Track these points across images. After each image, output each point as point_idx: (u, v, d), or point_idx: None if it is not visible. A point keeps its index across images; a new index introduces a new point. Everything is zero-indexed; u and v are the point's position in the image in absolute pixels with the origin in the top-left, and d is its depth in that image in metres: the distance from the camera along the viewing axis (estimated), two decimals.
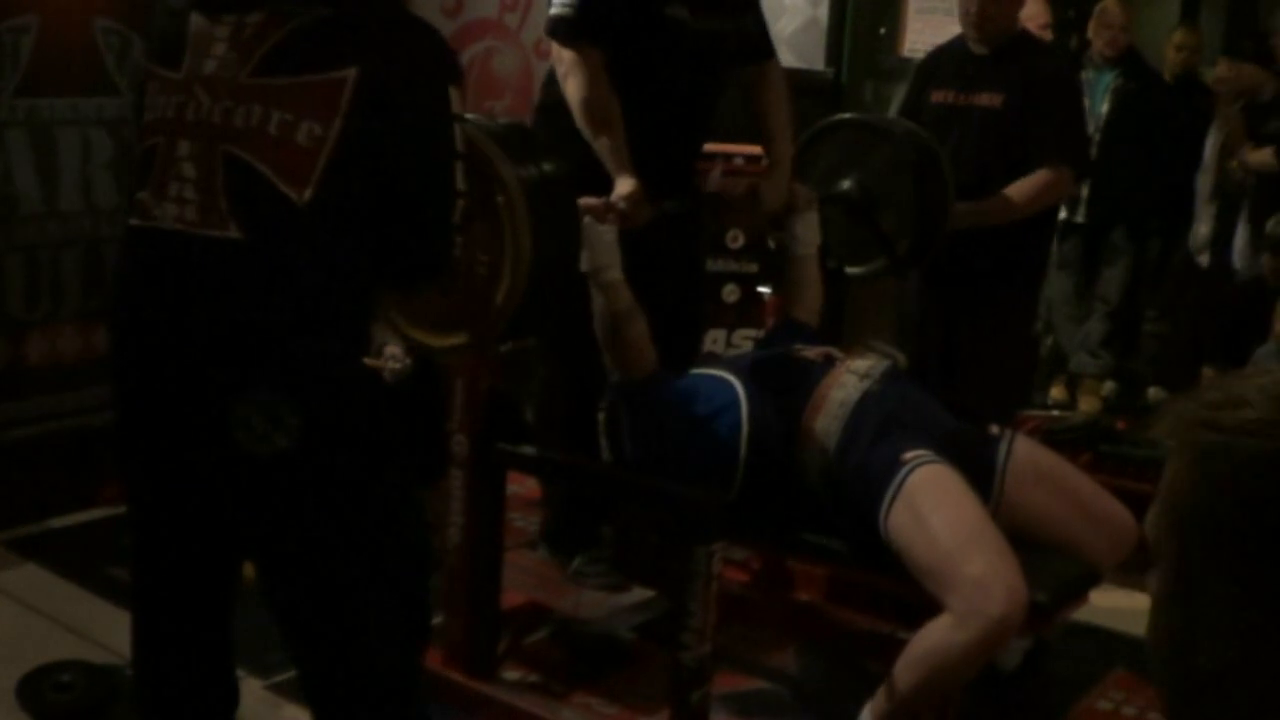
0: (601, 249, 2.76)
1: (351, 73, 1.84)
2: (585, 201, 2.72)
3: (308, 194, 1.82)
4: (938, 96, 3.77)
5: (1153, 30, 5.79)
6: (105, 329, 3.88)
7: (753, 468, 2.70)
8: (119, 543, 3.45)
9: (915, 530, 2.44)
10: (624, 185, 2.93)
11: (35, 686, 2.86)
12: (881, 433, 2.59)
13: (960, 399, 3.02)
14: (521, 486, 3.72)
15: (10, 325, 3.79)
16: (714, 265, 4.54)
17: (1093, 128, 4.92)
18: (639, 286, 2.85)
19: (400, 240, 1.96)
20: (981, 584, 2.33)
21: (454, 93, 1.96)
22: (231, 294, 1.83)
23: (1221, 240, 5.15)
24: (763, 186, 3.20)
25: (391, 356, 2.01)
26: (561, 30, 3.09)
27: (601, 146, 3.01)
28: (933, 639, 2.38)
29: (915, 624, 2.46)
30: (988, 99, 3.66)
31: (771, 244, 4.48)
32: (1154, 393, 5.50)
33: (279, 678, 2.91)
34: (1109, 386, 5.48)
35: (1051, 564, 2.62)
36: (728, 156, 4.38)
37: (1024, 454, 2.75)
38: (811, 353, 2.86)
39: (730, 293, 4.67)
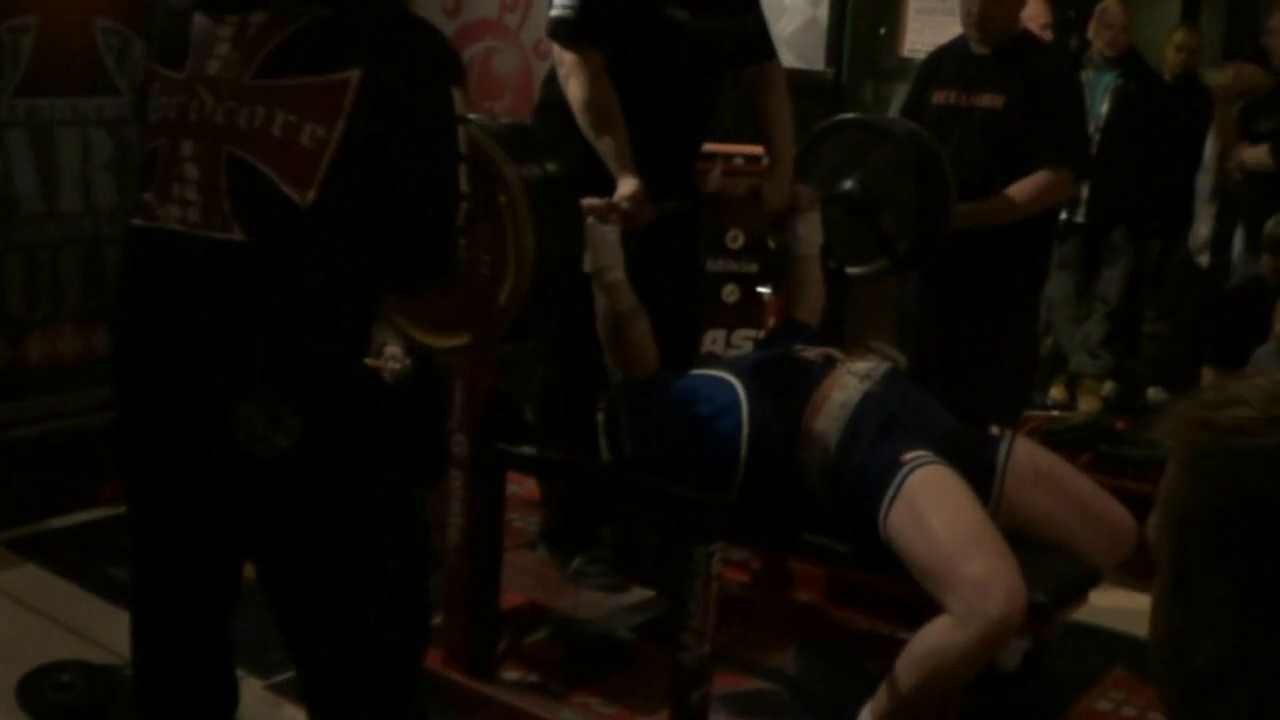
0: (604, 249, 2.76)
1: (354, 74, 1.83)
2: (588, 202, 2.72)
3: (311, 196, 1.82)
4: (939, 97, 3.77)
5: (1153, 30, 5.79)
6: (106, 329, 3.91)
7: (753, 468, 2.70)
8: (119, 543, 3.45)
9: (915, 531, 2.44)
10: (627, 186, 2.93)
11: (35, 686, 2.86)
12: (881, 433, 2.59)
13: (961, 399, 3.02)
14: (521, 487, 3.72)
15: (10, 325, 3.79)
16: (714, 265, 4.54)
17: (1093, 128, 4.93)
18: (638, 286, 2.85)
19: (403, 242, 1.95)
20: (981, 584, 2.33)
21: (457, 94, 1.96)
22: (233, 296, 1.83)
23: (1221, 240, 5.15)
24: (765, 187, 3.20)
25: (391, 357, 2.01)
26: (562, 32, 3.09)
27: (604, 147, 3.01)
28: (932, 639, 2.38)
29: (915, 624, 2.46)
30: (989, 100, 3.66)
31: (771, 244, 4.49)
32: (1154, 393, 5.51)
33: (279, 678, 2.91)
34: (1109, 386, 5.48)
35: (1051, 564, 2.62)
36: (727, 156, 4.38)
37: (1024, 454, 2.75)
38: (812, 353, 2.86)
39: (730, 293, 4.67)
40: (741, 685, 3.03)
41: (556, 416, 3.37)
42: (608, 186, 2.91)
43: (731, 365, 2.90)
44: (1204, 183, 5.20)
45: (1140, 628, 0.93)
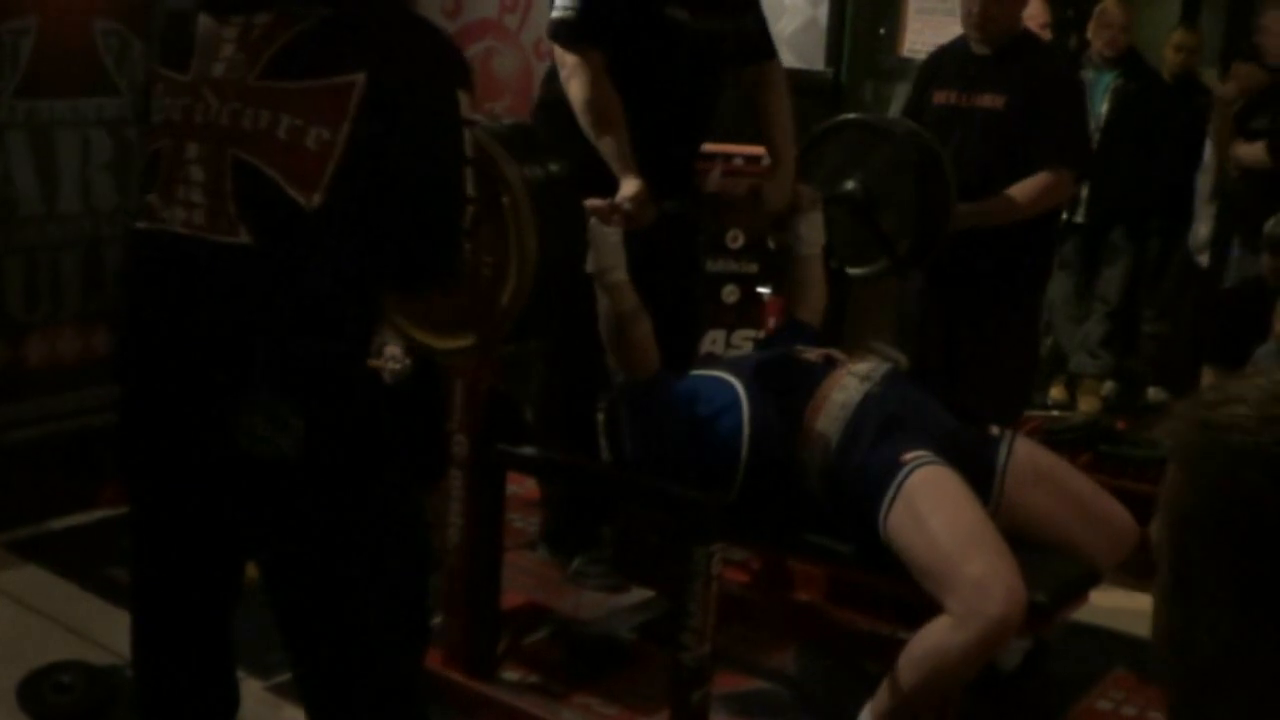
0: (607, 250, 2.76)
1: (360, 77, 1.82)
2: (591, 203, 2.72)
3: (316, 199, 1.81)
4: (940, 97, 3.77)
5: (1153, 30, 5.79)
6: (107, 330, 3.92)
7: (753, 469, 2.70)
8: (119, 544, 3.45)
9: (915, 531, 2.44)
10: (629, 186, 2.93)
11: (35, 687, 2.86)
12: (882, 434, 2.59)
13: (962, 400, 3.02)
14: (521, 487, 3.72)
15: (10, 327, 3.79)
16: (714, 265, 4.54)
17: (1092, 128, 4.92)
18: (637, 287, 2.85)
19: (409, 245, 1.95)
20: (981, 585, 2.33)
21: (463, 97, 1.95)
22: (238, 298, 1.83)
23: (1221, 240, 5.14)
24: (766, 187, 3.20)
25: (391, 357, 2.01)
26: (563, 33, 3.09)
27: (606, 148, 3.01)
28: (932, 639, 2.39)
29: (915, 624, 2.46)
30: (989, 100, 3.65)
31: (771, 244, 4.49)
32: (1154, 393, 5.51)
33: (279, 678, 2.91)
34: (1109, 386, 5.48)
35: (1051, 564, 2.62)
36: (727, 157, 4.38)
37: (1024, 455, 2.75)
38: (813, 354, 2.86)
39: (730, 293, 4.67)
40: (741, 685, 3.03)
41: (556, 416, 3.37)
42: (608, 186, 2.91)
43: (732, 366, 2.90)
44: (1204, 183, 5.19)
45: (1140, 628, 0.93)
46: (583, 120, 3.04)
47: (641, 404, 2.80)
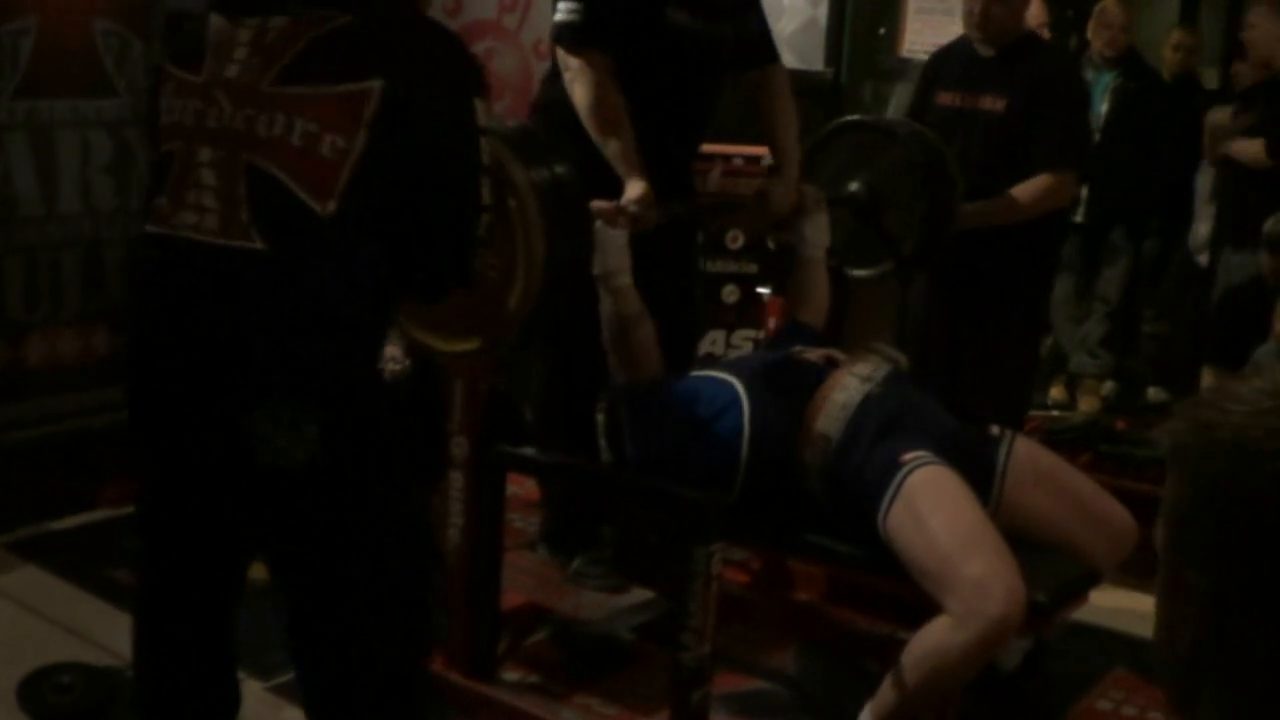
0: (613, 253, 2.75)
1: (376, 85, 1.81)
2: (596, 205, 2.72)
3: (331, 206, 1.81)
4: (943, 98, 3.76)
5: (1152, 30, 5.80)
6: (107, 330, 3.92)
7: (754, 469, 2.70)
8: (119, 545, 3.48)
9: (914, 531, 2.44)
10: (634, 189, 2.92)
11: (35, 688, 2.86)
12: (882, 434, 2.59)
13: (966, 401, 3.02)
14: (521, 487, 3.72)
15: (10, 327, 3.80)
16: (714, 266, 4.55)
17: (1092, 128, 4.92)
18: (635, 288, 2.85)
19: (423, 253, 1.95)
20: (980, 585, 2.33)
21: (479, 105, 1.94)
22: (251, 304, 1.82)
23: (1221, 240, 5.14)
24: (772, 189, 3.19)
25: (391, 358, 2.02)
26: (567, 36, 3.08)
27: (610, 150, 3.00)
28: (932, 639, 2.38)
29: (915, 624, 2.45)
30: (991, 102, 3.65)
31: (771, 245, 4.49)
32: (1154, 393, 5.51)
33: (280, 679, 2.91)
34: (1109, 386, 5.48)
35: (1051, 564, 2.62)
36: (726, 157, 4.39)
37: (1024, 455, 2.75)
38: (813, 355, 2.86)
39: (730, 293, 4.67)
40: (741, 685, 3.03)
41: (556, 416, 3.37)
42: (608, 187, 2.91)
43: (732, 366, 2.90)
44: (1204, 182, 5.19)
45: (1140, 628, 0.94)
46: (587, 123, 3.03)
47: (641, 404, 2.80)
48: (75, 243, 3.91)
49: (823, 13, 5.66)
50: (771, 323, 4.51)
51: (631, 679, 3.02)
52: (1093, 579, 2.73)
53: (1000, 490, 2.70)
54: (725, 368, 2.89)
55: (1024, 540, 2.55)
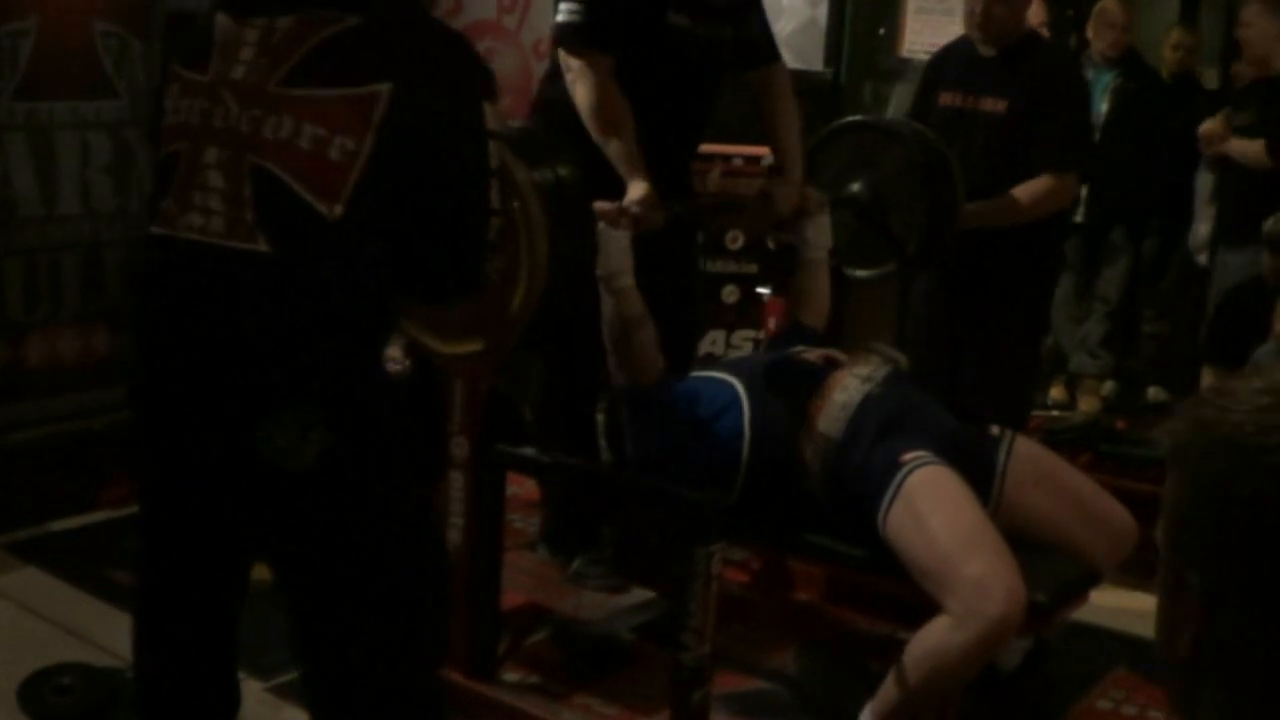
0: (615, 254, 2.75)
1: (385, 88, 1.80)
2: (599, 206, 2.72)
3: (338, 209, 1.80)
4: (945, 99, 3.76)
5: (1152, 30, 5.79)
6: (108, 331, 3.92)
7: (754, 470, 2.70)
8: (120, 546, 3.48)
9: (914, 531, 2.44)
10: (637, 190, 2.92)
11: (36, 689, 2.86)
12: (882, 434, 2.59)
13: (968, 401, 3.02)
14: (521, 487, 3.72)
15: (9, 328, 3.80)
16: (714, 266, 4.55)
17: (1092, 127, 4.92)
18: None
19: (431, 257, 1.94)
20: (980, 585, 2.33)
21: (488, 108, 1.94)
22: (257, 307, 1.81)
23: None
24: (775, 190, 3.19)
25: (391, 358, 2.01)
26: (569, 37, 3.08)
27: (613, 151, 3.00)
28: (932, 640, 2.39)
29: (915, 624, 2.46)
30: (992, 104, 3.65)
31: (771, 245, 4.49)
32: (1154, 393, 5.50)
33: (280, 680, 2.91)
34: (1109, 386, 5.48)
35: (1051, 564, 2.62)
36: (727, 157, 4.39)
37: (1024, 455, 2.75)
38: (813, 355, 2.86)
39: (730, 293, 4.67)
40: (741, 685, 3.03)
41: (556, 417, 3.37)
42: (608, 187, 2.90)
43: (732, 367, 2.90)
44: (1204, 182, 5.18)
45: (1140, 628, 0.95)
46: (590, 124, 3.03)
47: (641, 405, 2.80)
48: (75, 244, 3.91)
49: (822, 13, 5.66)
50: (771, 323, 4.51)
51: (631, 679, 3.02)
52: (1093, 579, 2.73)
53: (1000, 490, 2.70)
54: (725, 368, 2.89)
55: (1024, 540, 2.55)
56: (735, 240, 4.63)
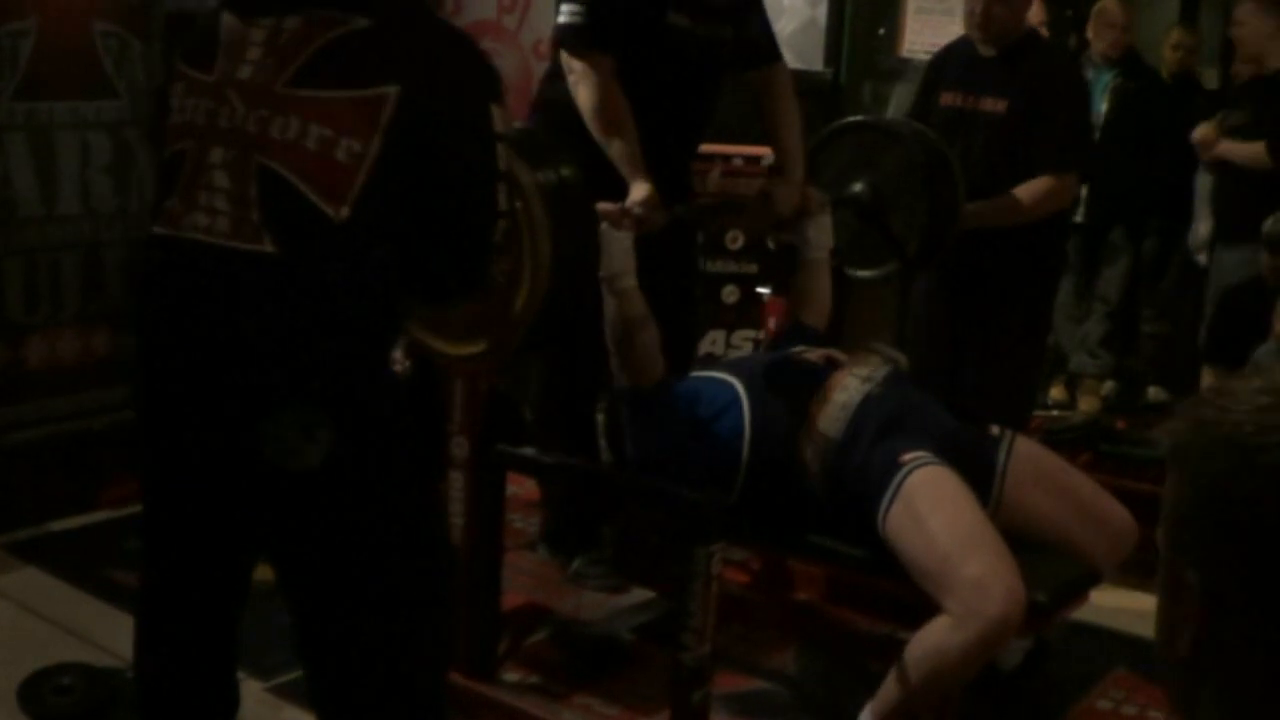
0: (618, 255, 2.75)
1: (393, 90, 1.80)
2: (602, 207, 2.71)
3: (345, 212, 1.80)
4: (946, 99, 3.75)
5: (1152, 30, 5.79)
6: (108, 332, 3.92)
7: (754, 470, 2.70)
8: (120, 546, 3.48)
9: (913, 531, 2.44)
10: (639, 190, 2.92)
11: (36, 690, 2.86)
12: (882, 434, 2.59)
13: (970, 401, 3.02)
14: (521, 487, 3.72)
15: (9, 328, 3.80)
16: (714, 266, 4.55)
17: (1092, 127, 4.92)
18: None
19: (438, 259, 1.94)
20: (980, 585, 2.33)
21: (496, 111, 1.93)
22: (262, 308, 1.81)
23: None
24: (777, 190, 3.19)
25: (393, 359, 2.01)
26: (571, 38, 3.08)
27: (615, 152, 3.00)
28: (932, 640, 2.39)
29: (915, 624, 2.46)
30: (992, 104, 3.64)
31: (771, 245, 4.49)
32: (1154, 393, 5.50)
33: (279, 679, 2.92)
34: (1109, 386, 5.48)
35: (1051, 564, 2.62)
36: (727, 157, 4.39)
37: (1024, 455, 2.75)
38: (814, 355, 2.86)
39: (730, 293, 4.67)
40: (741, 685, 3.03)
41: (556, 417, 3.37)
42: (608, 187, 2.90)
43: (732, 367, 2.90)
44: (1204, 182, 5.18)
45: (1140, 628, 0.95)
46: (592, 125, 3.03)
47: (642, 405, 2.80)
48: (75, 244, 3.91)
49: (822, 13, 5.66)
50: (771, 323, 4.51)
51: (631, 679, 3.02)
52: (1093, 579, 2.73)
53: (1000, 490, 2.70)
54: (725, 368, 2.89)
55: (1024, 540, 2.55)
56: (735, 240, 4.63)
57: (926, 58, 4.26)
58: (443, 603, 2.16)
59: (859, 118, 3.91)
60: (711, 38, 3.20)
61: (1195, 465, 0.86)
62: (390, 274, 1.87)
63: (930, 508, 2.45)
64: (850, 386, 2.68)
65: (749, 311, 4.69)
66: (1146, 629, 0.94)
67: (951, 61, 3.85)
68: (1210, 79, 5.77)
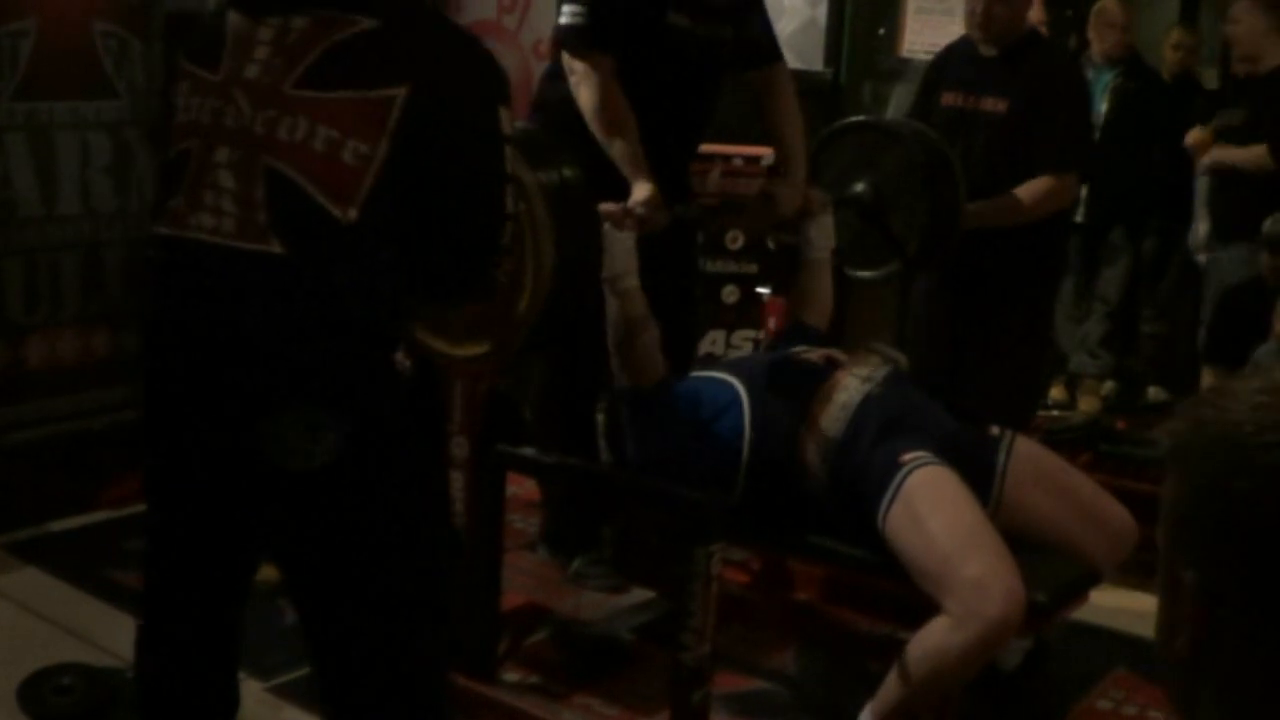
0: (620, 255, 2.75)
1: (401, 92, 1.80)
2: (604, 208, 2.71)
3: (352, 213, 1.79)
4: (947, 99, 3.75)
5: (1152, 30, 5.79)
6: (108, 332, 3.92)
7: (754, 470, 2.70)
8: (119, 546, 3.48)
9: (913, 532, 2.44)
10: (641, 191, 2.92)
11: (36, 690, 2.86)
12: (882, 434, 2.59)
13: (971, 401, 3.02)
14: (521, 488, 3.72)
15: (9, 329, 3.80)
16: (714, 266, 4.55)
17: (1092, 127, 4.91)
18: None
19: (445, 261, 1.94)
20: (979, 585, 2.33)
21: (504, 113, 1.93)
22: (269, 308, 1.81)
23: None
24: (778, 190, 3.19)
25: (395, 360, 2.01)
26: (572, 40, 3.08)
27: (617, 152, 3.00)
28: (931, 640, 2.38)
29: (915, 624, 2.46)
30: (993, 104, 3.64)
31: (771, 245, 4.49)
32: (1154, 393, 5.50)
33: (279, 679, 2.91)
34: (1109, 386, 5.48)
35: (1051, 564, 2.62)
36: (727, 157, 4.39)
37: (1024, 455, 2.75)
38: (814, 355, 2.86)
39: (730, 293, 4.67)
40: (741, 685, 3.03)
41: (556, 417, 3.37)
42: (609, 187, 2.90)
43: (733, 367, 2.90)
44: (1203, 183, 5.18)
45: (1140, 628, 0.95)
46: (593, 125, 3.03)
47: (642, 405, 2.80)
48: (75, 244, 3.91)
49: (822, 13, 5.66)
50: (771, 323, 4.51)
51: (631, 679, 3.02)
52: (1093, 579, 2.73)
53: (1000, 490, 2.70)
54: (726, 368, 2.89)
55: (1024, 540, 2.55)
56: (735, 240, 4.63)
57: (926, 58, 4.26)
58: (444, 602, 2.16)
59: (860, 118, 3.91)
60: (712, 38, 3.20)
61: (1194, 465, 0.86)
62: (397, 275, 1.87)
63: (930, 508, 2.45)
64: (851, 386, 2.68)
65: (749, 311, 4.69)
66: (1146, 629, 0.94)
67: (952, 61, 3.85)
68: (1210, 79, 5.76)
